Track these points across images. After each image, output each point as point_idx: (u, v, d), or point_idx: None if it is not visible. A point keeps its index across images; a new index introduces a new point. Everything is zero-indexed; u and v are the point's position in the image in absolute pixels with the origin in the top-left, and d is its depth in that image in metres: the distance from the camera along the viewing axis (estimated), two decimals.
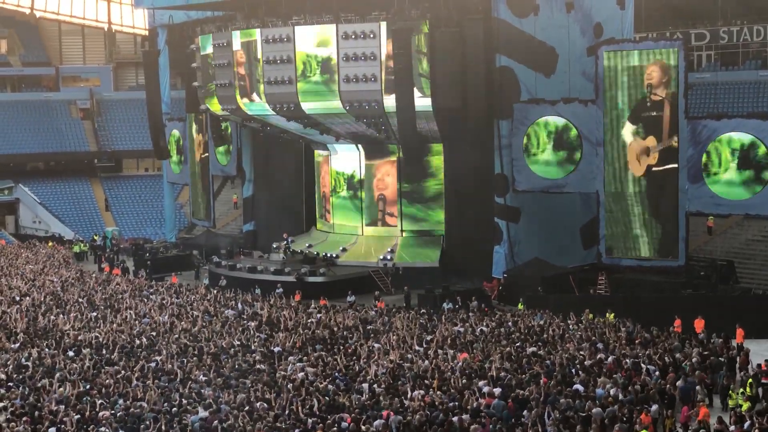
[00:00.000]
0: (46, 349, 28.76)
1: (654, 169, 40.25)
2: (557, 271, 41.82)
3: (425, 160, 48.11)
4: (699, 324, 32.12)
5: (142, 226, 72.73)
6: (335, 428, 20.20)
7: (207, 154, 61.03)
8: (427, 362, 26.44)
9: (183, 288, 43.35)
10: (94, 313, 35.46)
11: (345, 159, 51.12)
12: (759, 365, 25.55)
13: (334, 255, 48.87)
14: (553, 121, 42.68)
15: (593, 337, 29.66)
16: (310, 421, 20.65)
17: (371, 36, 43.34)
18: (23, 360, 27.34)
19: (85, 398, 22.75)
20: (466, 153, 45.64)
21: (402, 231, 49.41)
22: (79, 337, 30.67)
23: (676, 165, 39.68)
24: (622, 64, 40.24)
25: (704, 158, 39.41)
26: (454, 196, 47.12)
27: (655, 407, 21.66)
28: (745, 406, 21.69)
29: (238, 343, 30.04)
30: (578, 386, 23.10)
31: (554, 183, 42.90)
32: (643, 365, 25.35)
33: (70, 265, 53.14)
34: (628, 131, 40.51)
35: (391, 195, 49.78)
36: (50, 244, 62.25)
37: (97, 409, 21.77)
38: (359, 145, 49.73)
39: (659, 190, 40.35)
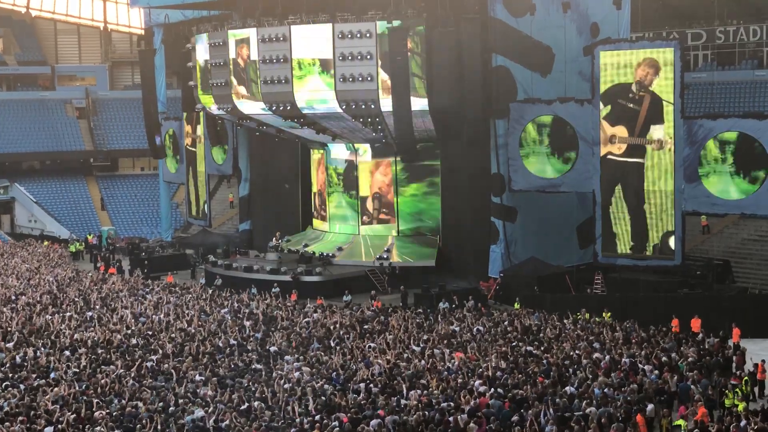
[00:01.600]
0: (42, 349, 28.70)
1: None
2: (553, 271, 41.84)
3: (421, 159, 48.04)
4: (695, 323, 32.15)
5: (138, 225, 72.57)
6: (331, 428, 20.17)
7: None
8: (423, 362, 26.43)
9: (179, 287, 43.27)
10: (90, 313, 35.39)
11: (341, 158, 51.07)
12: (755, 365, 25.60)
13: (330, 254, 48.81)
14: (549, 121, 42.70)
15: (590, 337, 29.68)
16: (305, 420, 20.62)
17: (367, 35, 43.29)
18: (19, 359, 27.29)
19: (81, 398, 22.71)
20: (462, 152, 45.62)
21: (398, 230, 49.39)
22: (75, 337, 30.62)
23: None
24: (618, 64, 40.39)
25: (700, 158, 39.49)
26: (451, 196, 47.08)
27: (651, 407, 21.66)
28: (741, 406, 21.67)
29: (234, 342, 30.01)
30: (574, 386, 23.10)
31: (550, 182, 42.91)
32: (639, 365, 25.36)
33: (65, 264, 53.03)
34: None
35: (387, 194, 49.73)
36: (45, 243, 62.13)
37: (93, 409, 21.74)
38: (355, 145, 49.68)
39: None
